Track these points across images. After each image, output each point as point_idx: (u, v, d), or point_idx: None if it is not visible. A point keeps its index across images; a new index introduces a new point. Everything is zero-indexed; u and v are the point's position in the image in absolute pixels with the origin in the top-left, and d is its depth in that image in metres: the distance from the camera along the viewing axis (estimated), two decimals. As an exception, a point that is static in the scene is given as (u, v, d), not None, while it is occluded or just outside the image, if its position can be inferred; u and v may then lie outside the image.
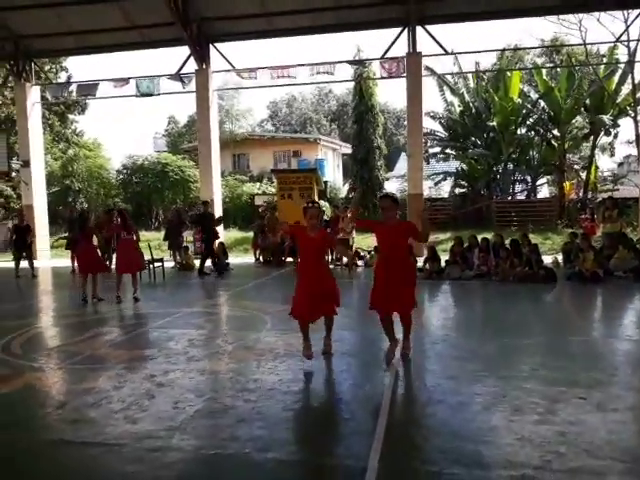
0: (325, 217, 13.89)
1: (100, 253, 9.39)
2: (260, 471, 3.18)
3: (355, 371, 5.04)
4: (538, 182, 23.40)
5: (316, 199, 16.20)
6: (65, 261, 14.51)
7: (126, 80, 17.29)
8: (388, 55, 15.96)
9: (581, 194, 21.38)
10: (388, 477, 3.07)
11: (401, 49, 15.68)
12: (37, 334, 7.00)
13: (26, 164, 17.60)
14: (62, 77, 26.06)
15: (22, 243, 13.07)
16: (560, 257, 12.05)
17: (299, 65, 16.52)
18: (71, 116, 29.18)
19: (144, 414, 4.00)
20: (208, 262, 12.26)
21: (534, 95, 22.16)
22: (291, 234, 5.42)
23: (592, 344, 5.92)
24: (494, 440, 3.44)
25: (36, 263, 15.87)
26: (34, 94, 18.12)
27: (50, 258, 17.49)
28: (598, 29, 69.82)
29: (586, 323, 7.22)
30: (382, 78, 16.90)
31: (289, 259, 13.73)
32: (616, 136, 21.98)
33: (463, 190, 22.89)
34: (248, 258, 15.46)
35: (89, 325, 7.31)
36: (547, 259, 11.57)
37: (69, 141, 28.40)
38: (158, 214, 24.92)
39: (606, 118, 19.60)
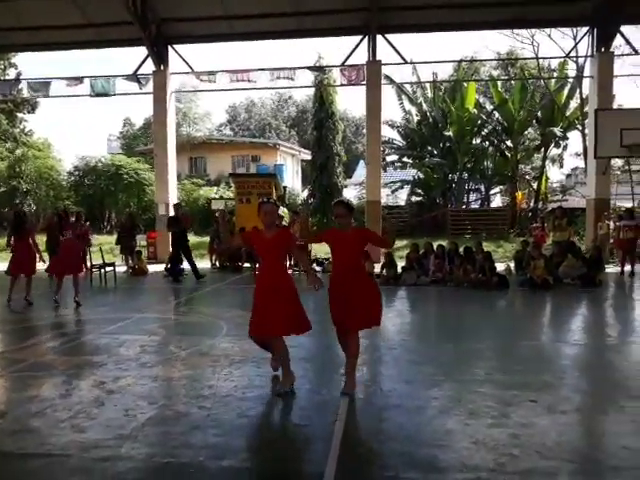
0: (284, 222, 13.81)
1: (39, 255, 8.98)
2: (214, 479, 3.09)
3: (312, 376, 5.00)
4: (492, 191, 24.08)
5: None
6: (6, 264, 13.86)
7: (80, 79, 16.78)
8: (348, 62, 16.11)
9: (532, 204, 22.14)
10: (345, 482, 3.03)
11: (361, 57, 15.88)
12: (-22, 340, 6.65)
13: (-30, 163, 16.79)
14: (11, 74, 25.02)
15: None
16: (512, 264, 12.39)
17: (259, 69, 16.45)
18: (20, 114, 28.05)
19: (92, 422, 3.84)
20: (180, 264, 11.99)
21: (489, 106, 22.84)
22: (247, 243, 4.90)
23: (542, 348, 6.09)
24: (450, 444, 3.46)
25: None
26: (-20, 90, 17.37)
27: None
28: (549, 45, 72.86)
29: (537, 328, 7.43)
30: (342, 85, 17.04)
31: (246, 264, 13.57)
32: (565, 148, 22.93)
33: (419, 198, 23.29)
34: (204, 263, 15.20)
35: (32, 331, 7.00)
36: (500, 266, 11.88)
37: (17, 140, 27.28)
38: (111, 217, 24.21)
39: (556, 130, 20.41)
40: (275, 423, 3.95)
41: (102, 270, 11.28)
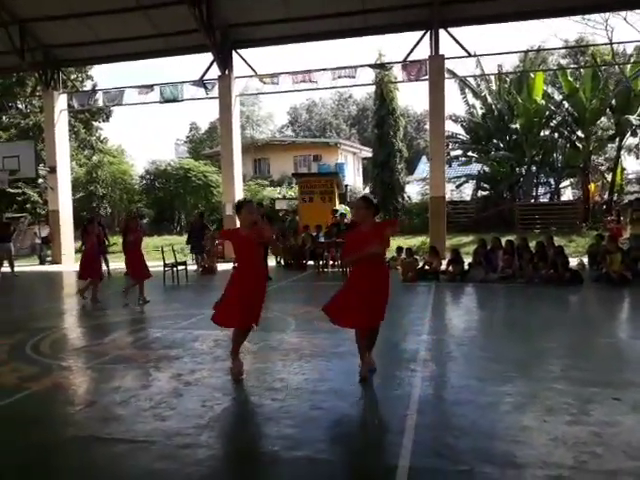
0: (346, 220, 13.88)
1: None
2: (290, 469, 3.16)
3: (381, 372, 4.99)
4: (562, 185, 23.05)
5: (337, 202, 16.23)
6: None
7: (150, 87, 17.57)
8: (410, 58, 15.92)
9: (606, 196, 20.99)
10: (419, 476, 3.03)
11: (423, 52, 15.66)
12: (64, 335, 7.12)
13: (52, 170, 17.96)
14: (88, 85, 26.54)
15: None
16: (586, 259, 11.84)
17: (321, 70, 16.58)
18: (96, 123, 29.71)
19: (172, 412, 4.02)
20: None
21: (558, 96, 21.84)
22: (226, 239, 5.18)
23: (621, 346, 5.81)
24: (526, 440, 3.37)
25: (62, 267, 16.21)
26: (61, 102, 18.51)
27: (75, 261, 17.78)
28: (625, 29, 68.63)
29: (614, 324, 7.08)
30: (404, 82, 16.84)
31: (310, 262, 13.73)
32: (643, 137, 21.53)
33: (485, 193, 22.66)
34: (270, 261, 15.49)
35: (113, 327, 7.39)
36: (572, 262, 11.38)
37: (94, 148, 28.94)
38: (180, 219, 25.18)
39: (632, 118, 19.23)
40: (348, 415, 3.97)
41: (174, 269, 11.74)
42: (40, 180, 22.07)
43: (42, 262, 18.22)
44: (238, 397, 4.35)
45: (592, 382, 4.41)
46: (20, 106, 27.06)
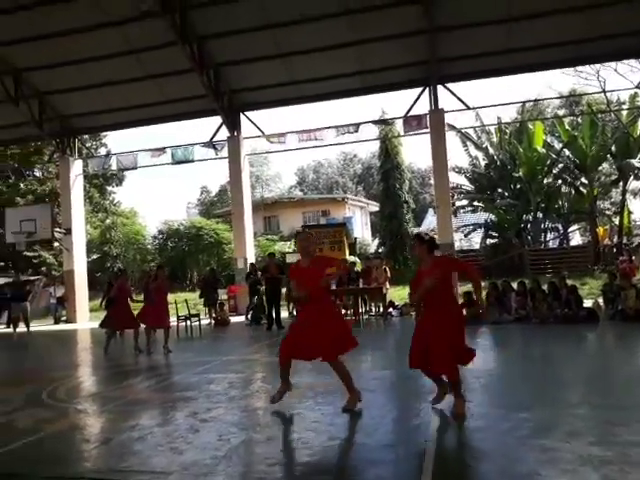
0: (356, 269, 13.95)
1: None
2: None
3: (398, 404, 4.94)
4: (570, 229, 23.13)
5: (347, 252, 16.35)
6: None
7: (162, 150, 18.24)
8: (411, 113, 16.49)
9: (616, 239, 20.99)
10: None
11: (424, 107, 16.24)
12: (80, 383, 7.12)
13: (68, 232, 18.39)
14: (102, 151, 27.54)
15: None
16: (601, 300, 11.73)
17: (325, 128, 17.18)
18: (109, 188, 30.60)
19: (189, 446, 3.99)
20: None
21: (558, 145, 22.34)
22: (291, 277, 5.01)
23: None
24: (550, 460, 3.31)
25: (77, 325, 16.30)
26: (77, 167, 19.22)
27: (89, 320, 17.87)
28: (616, 78, 70.56)
29: (633, 355, 6.95)
30: (406, 135, 17.38)
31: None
32: (647, 179, 21.76)
33: (494, 240, 22.75)
34: (283, 312, 15.48)
35: (129, 374, 7.39)
36: (587, 303, 11.28)
37: (107, 211, 29.66)
38: (192, 276, 25.36)
39: (634, 162, 19.54)
40: (366, 444, 3.91)
41: (187, 321, 11.78)
42: (56, 244, 22.52)
43: (57, 321, 18.33)
44: (255, 430, 4.31)
45: (615, 406, 4.34)
46: (37, 173, 28.00)
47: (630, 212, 22.32)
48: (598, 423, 3.99)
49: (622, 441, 3.56)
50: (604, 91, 18.40)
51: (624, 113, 20.71)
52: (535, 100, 23.24)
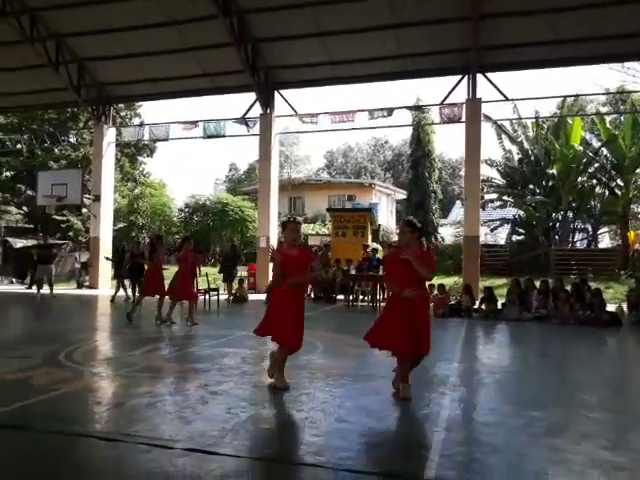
0: (377, 256, 13.87)
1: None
2: (312, 472, 3.11)
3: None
4: (600, 231, 22.53)
5: (370, 239, 16.27)
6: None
7: (195, 123, 18.28)
8: (447, 101, 16.16)
9: (646, 245, 20.38)
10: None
11: (460, 95, 15.89)
12: (97, 347, 7.26)
13: (97, 199, 18.67)
14: (136, 121, 27.80)
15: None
16: (625, 305, 11.44)
17: (359, 110, 16.96)
18: (140, 158, 30.93)
19: (198, 416, 4.03)
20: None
21: (596, 143, 21.65)
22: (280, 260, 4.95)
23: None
24: (560, 460, 3.25)
25: (98, 291, 16.64)
26: (110, 135, 19.42)
27: (111, 287, 18.20)
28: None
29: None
30: (441, 123, 17.04)
31: (340, 296, 13.69)
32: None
33: (520, 237, 22.33)
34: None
35: (145, 342, 7.50)
36: (611, 307, 11.02)
37: (137, 181, 30.03)
38: (215, 251, 25.59)
39: (674, 167, 18.85)
40: (374, 429, 3.89)
41: (207, 295, 11.89)
42: (84, 210, 22.94)
43: (79, 286, 18.72)
44: (264, 406, 4.33)
45: (630, 412, 4.25)
46: (72, 139, 28.45)
47: (665, 218, 21.64)
48: (612, 428, 3.90)
49: (635, 447, 3.48)
50: (650, 90, 17.73)
51: (669, 115, 19.93)
52: (576, 95, 22.46)
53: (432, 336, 4.66)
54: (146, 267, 12.81)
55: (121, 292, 13.59)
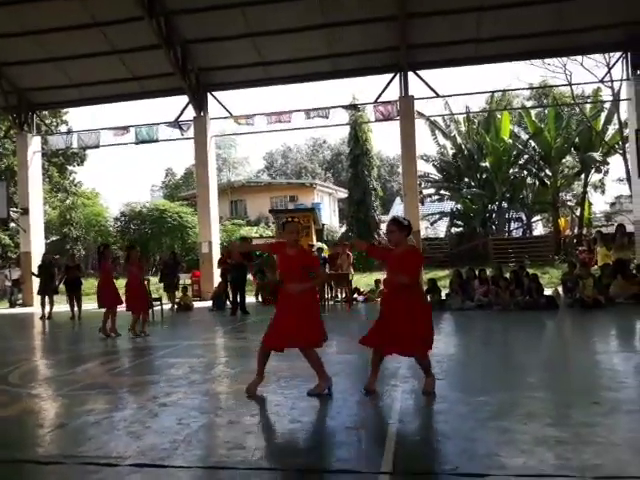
0: (323, 255, 13.94)
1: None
2: (271, 477, 3.08)
3: (361, 388, 4.93)
4: (533, 220, 23.68)
5: (314, 239, 16.32)
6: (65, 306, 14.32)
7: (126, 128, 17.69)
8: (381, 100, 16.46)
9: (576, 230, 21.61)
10: (405, 478, 2.98)
11: (394, 93, 16.21)
12: (35, 367, 6.88)
13: (25, 212, 17.72)
14: (62, 129, 26.59)
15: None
16: (560, 288, 12.05)
17: (295, 111, 16.98)
18: (70, 167, 29.60)
19: (147, 430, 3.88)
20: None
21: (524, 136, 22.74)
22: (271, 251, 5.02)
23: (598, 359, 5.88)
24: (509, 441, 3.36)
25: (34, 309, 15.81)
26: (35, 144, 18.49)
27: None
28: (582, 73, 72.45)
29: (590, 342, 7.16)
30: (376, 121, 17.33)
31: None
32: (607, 173, 22.52)
33: (459, 229, 23.11)
34: (250, 298, 15.36)
35: (86, 358, 7.19)
36: (547, 291, 11.59)
37: (67, 191, 28.72)
38: (155, 260, 24.90)
39: (596, 155, 20.08)
40: (327, 427, 3.90)
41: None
42: (12, 224, 21.72)
43: (12, 305, 17.72)
44: (216, 414, 4.24)
45: (571, 390, 4.45)
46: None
47: (590, 204, 23.00)
48: (554, 405, 4.07)
49: (576, 422, 3.64)
50: (570, 84, 18.78)
51: (588, 107, 21.20)
52: (503, 90, 23.54)
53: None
54: (82, 280, 12.37)
55: (56, 308, 12.96)
